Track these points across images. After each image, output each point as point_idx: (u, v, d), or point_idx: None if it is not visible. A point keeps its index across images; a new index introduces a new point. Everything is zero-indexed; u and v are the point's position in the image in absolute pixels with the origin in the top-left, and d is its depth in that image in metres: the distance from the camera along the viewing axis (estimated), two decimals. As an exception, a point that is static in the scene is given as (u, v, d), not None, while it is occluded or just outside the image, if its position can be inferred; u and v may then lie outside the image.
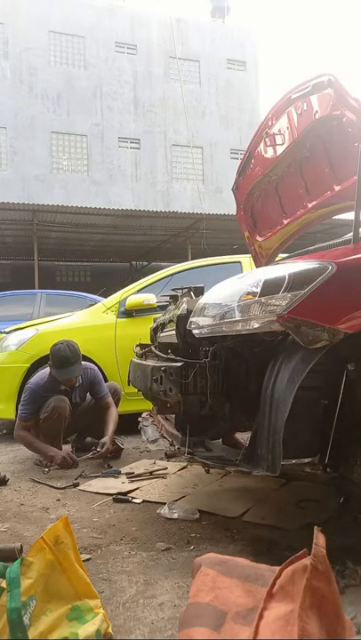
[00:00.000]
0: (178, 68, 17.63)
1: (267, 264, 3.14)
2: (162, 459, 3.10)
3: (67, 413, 3.15)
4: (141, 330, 3.54)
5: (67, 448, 3.20)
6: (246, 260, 4.31)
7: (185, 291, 2.44)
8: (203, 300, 1.89)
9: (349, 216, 2.20)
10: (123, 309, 4.09)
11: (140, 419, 2.83)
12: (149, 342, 2.84)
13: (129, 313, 4.08)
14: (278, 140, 2.68)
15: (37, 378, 3.29)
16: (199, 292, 2.31)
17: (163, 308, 3.33)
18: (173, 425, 2.22)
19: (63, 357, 3.10)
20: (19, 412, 3.25)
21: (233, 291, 1.73)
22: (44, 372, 3.32)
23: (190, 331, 1.84)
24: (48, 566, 1.22)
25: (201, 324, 1.79)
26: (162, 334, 2.47)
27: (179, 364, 1.81)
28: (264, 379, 1.59)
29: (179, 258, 12.88)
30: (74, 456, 3.04)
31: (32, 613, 1.15)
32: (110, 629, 1.27)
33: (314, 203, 2.73)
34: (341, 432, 1.63)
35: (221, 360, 1.79)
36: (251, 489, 2.49)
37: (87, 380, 3.38)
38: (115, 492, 2.50)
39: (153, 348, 2.53)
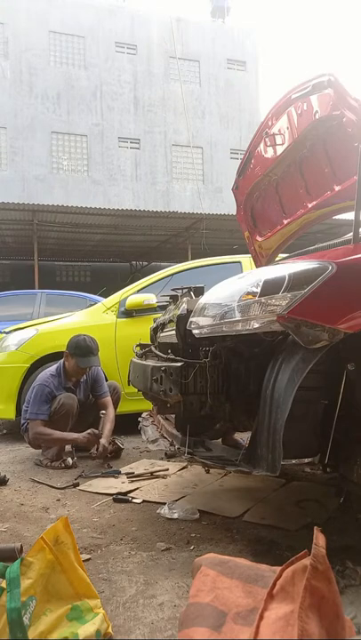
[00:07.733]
0: (178, 68, 17.65)
1: (267, 264, 3.14)
2: (162, 459, 3.10)
3: (75, 411, 3.20)
4: (141, 330, 3.54)
5: (68, 447, 3.21)
6: (246, 259, 4.31)
7: (185, 291, 2.43)
8: (203, 300, 1.88)
9: (349, 216, 2.20)
10: (123, 309, 4.09)
11: (140, 419, 2.83)
12: (149, 342, 2.84)
13: (129, 313, 4.09)
14: (278, 140, 2.68)
15: (43, 376, 3.31)
16: (199, 292, 2.30)
17: (163, 307, 3.33)
18: (173, 425, 2.21)
19: (88, 347, 3.23)
20: (31, 412, 3.16)
21: (233, 291, 1.73)
22: (48, 370, 3.35)
23: (190, 331, 1.84)
24: (48, 566, 1.22)
25: (201, 324, 1.79)
26: (162, 334, 2.47)
27: (179, 364, 1.80)
28: (264, 379, 1.59)
29: (179, 258, 12.89)
30: (95, 431, 3.12)
31: (32, 613, 1.15)
32: (110, 629, 1.27)
33: (314, 203, 2.73)
34: (341, 432, 1.63)
35: (221, 360, 1.79)
36: (251, 489, 2.49)
37: (91, 376, 3.43)
38: (115, 491, 2.50)
39: (153, 348, 2.53)
